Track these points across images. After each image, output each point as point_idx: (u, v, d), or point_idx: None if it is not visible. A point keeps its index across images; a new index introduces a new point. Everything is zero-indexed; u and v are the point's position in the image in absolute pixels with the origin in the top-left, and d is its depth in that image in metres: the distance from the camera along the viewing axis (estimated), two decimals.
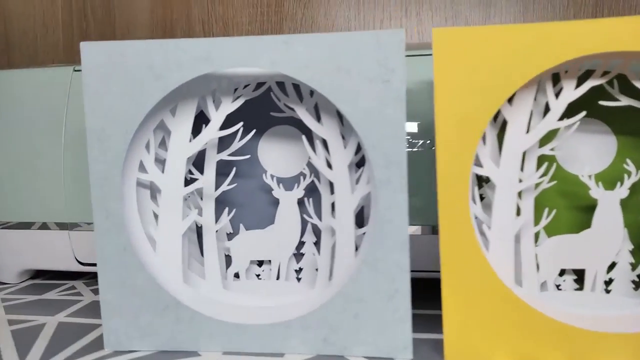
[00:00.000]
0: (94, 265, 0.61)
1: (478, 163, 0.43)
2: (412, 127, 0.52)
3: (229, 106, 0.46)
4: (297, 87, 0.48)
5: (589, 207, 0.47)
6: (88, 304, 0.57)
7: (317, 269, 0.51)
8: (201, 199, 0.49)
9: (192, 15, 1.04)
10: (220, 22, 1.03)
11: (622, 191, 0.45)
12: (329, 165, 0.46)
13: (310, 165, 0.51)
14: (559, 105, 0.42)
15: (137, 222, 0.45)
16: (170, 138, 0.46)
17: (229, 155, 0.49)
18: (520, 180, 0.43)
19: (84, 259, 0.61)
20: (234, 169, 0.50)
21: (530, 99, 0.42)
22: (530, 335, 0.40)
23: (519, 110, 0.42)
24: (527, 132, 0.43)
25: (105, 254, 0.44)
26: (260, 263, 0.53)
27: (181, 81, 0.42)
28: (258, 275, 0.52)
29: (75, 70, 0.61)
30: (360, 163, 0.47)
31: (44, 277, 0.69)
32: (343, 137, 0.45)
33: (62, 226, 0.60)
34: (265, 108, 0.51)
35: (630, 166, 0.45)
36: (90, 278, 0.68)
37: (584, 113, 0.43)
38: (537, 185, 0.45)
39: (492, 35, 0.39)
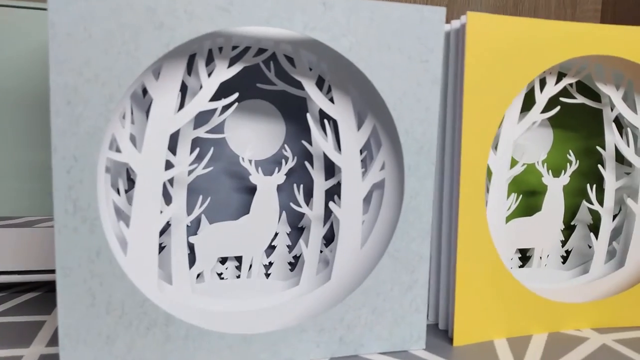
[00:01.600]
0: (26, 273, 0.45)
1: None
2: None
3: (224, 72, 0.38)
4: (290, 59, 0.42)
5: (533, 192, 0.52)
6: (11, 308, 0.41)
7: (289, 263, 0.46)
8: (172, 185, 0.40)
9: None
10: None
11: (565, 179, 0.51)
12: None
13: (293, 146, 0.46)
14: (542, 99, 0.46)
15: (110, 217, 0.34)
16: (151, 108, 0.35)
17: (207, 132, 0.40)
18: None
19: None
20: (212, 149, 0.41)
21: (522, 91, 0.45)
22: (521, 314, 0.43)
23: (514, 100, 0.44)
24: (519, 121, 0.45)
25: (68, 263, 0.32)
26: (223, 260, 0.45)
27: (190, 36, 0.33)
28: (220, 274, 0.45)
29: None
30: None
31: None
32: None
33: None
34: (238, 78, 0.44)
35: (571, 156, 0.52)
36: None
37: (558, 108, 0.48)
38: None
39: (520, 25, 0.40)
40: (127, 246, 0.35)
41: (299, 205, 0.44)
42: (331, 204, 0.41)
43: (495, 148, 0.45)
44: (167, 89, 0.36)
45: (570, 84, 0.50)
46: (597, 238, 0.50)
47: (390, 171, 0.40)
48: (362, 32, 0.36)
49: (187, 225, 0.42)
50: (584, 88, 0.52)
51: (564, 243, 0.53)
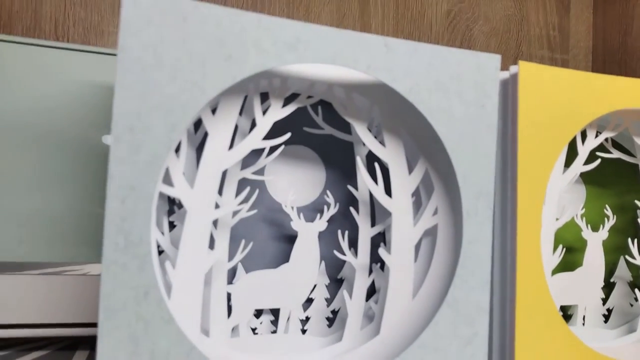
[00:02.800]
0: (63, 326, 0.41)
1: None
2: None
3: (279, 112, 0.37)
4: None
5: (574, 248, 0.51)
6: None
7: (326, 318, 0.43)
8: (215, 228, 0.37)
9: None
10: (80, 27, 0.84)
11: (604, 233, 0.50)
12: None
13: (335, 192, 0.44)
14: (584, 151, 0.46)
15: (157, 256, 0.32)
16: (206, 143, 0.34)
17: (253, 173, 0.39)
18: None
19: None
20: (257, 191, 0.40)
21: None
22: None
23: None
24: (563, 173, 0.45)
25: (114, 304, 0.29)
26: (258, 314, 0.42)
27: (258, 68, 0.32)
28: (254, 329, 0.41)
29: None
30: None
31: None
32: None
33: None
34: (281, 124, 0.43)
35: (608, 211, 0.51)
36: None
37: (599, 161, 0.47)
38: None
39: (569, 76, 0.40)
40: (171, 289, 0.32)
41: (343, 254, 0.42)
42: (381, 250, 0.39)
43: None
44: (222, 124, 0.34)
45: (606, 139, 0.50)
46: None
47: (444, 217, 0.39)
48: (423, 75, 0.36)
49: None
50: (615, 144, 0.52)
51: (604, 301, 0.51)
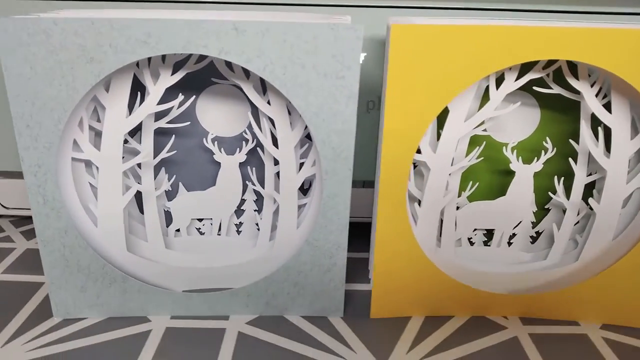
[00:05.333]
0: (21, 209, 0.59)
1: (417, 150, 0.45)
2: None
3: (168, 79, 0.43)
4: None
5: (510, 171, 0.52)
6: (23, 254, 0.56)
7: (257, 225, 0.54)
8: (139, 167, 0.48)
9: None
10: None
11: (537, 166, 0.50)
12: (275, 143, 0.46)
13: (251, 128, 0.51)
14: (498, 96, 0.44)
15: (76, 202, 0.44)
16: (105, 114, 0.43)
17: (168, 122, 0.47)
18: (453, 162, 0.47)
19: (8, 204, 0.58)
20: (173, 137, 0.48)
21: (473, 89, 0.44)
22: (441, 295, 0.47)
23: (460, 99, 0.44)
24: (465, 120, 0.45)
25: (46, 237, 0.43)
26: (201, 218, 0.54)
27: (117, 65, 0.38)
28: (199, 229, 0.54)
29: None
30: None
31: None
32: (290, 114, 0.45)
33: None
34: (204, 68, 0.48)
35: (548, 143, 0.50)
36: (16, 218, 0.66)
37: (519, 103, 0.46)
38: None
39: (448, 33, 0.39)
40: (96, 219, 0.46)
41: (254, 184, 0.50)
42: (267, 184, 0.47)
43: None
44: (117, 98, 0.42)
45: (547, 74, 0.46)
46: (558, 229, 0.50)
47: (318, 170, 0.44)
48: (274, 52, 0.39)
49: (168, 190, 0.51)
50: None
51: (535, 224, 0.53)
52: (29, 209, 0.55)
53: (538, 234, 0.54)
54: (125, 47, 0.38)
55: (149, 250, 0.50)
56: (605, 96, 0.45)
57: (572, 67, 0.45)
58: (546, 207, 0.53)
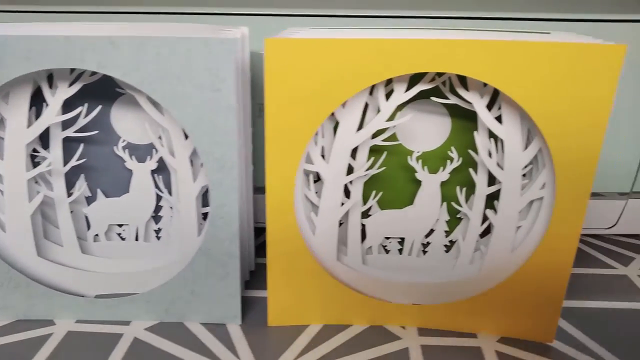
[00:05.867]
0: None
1: (310, 160, 0.46)
2: None
3: (66, 91, 0.45)
4: None
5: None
6: None
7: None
8: (50, 174, 0.50)
9: None
10: None
11: (443, 175, 0.50)
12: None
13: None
14: (388, 107, 0.45)
15: None
16: (6, 125, 0.45)
17: (76, 132, 0.49)
18: (351, 171, 0.47)
19: None
20: (82, 145, 0.50)
21: (362, 100, 0.44)
22: (338, 304, 0.48)
23: (351, 111, 0.44)
24: (358, 130, 0.45)
25: None
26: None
27: (4, 80, 0.40)
28: (120, 234, 0.55)
29: None
30: None
31: None
32: None
33: None
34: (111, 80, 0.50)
35: (453, 153, 0.50)
36: None
37: (410, 115, 0.46)
38: (367, 173, 0.49)
39: (324, 47, 0.39)
40: (4, 225, 0.47)
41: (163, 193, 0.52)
42: (173, 192, 0.48)
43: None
44: (16, 109, 0.44)
45: (443, 83, 0.46)
46: (463, 239, 0.50)
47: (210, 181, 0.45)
48: (151, 66, 0.40)
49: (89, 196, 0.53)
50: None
51: (448, 233, 0.53)
52: None
53: (452, 242, 0.53)
54: (9, 63, 0.39)
55: (64, 255, 0.51)
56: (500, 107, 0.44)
57: (464, 77, 0.45)
58: (457, 216, 0.53)
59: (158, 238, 0.55)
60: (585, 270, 0.58)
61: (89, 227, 0.54)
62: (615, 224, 0.60)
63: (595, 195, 0.58)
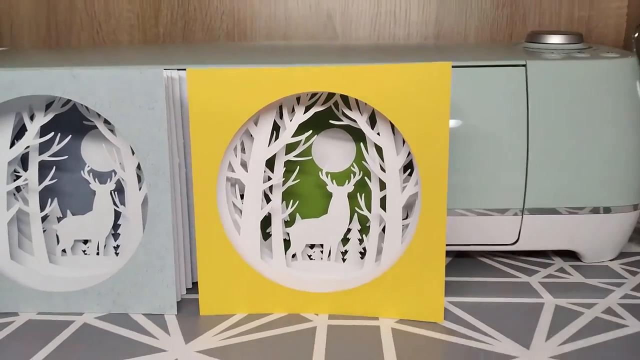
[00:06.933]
0: None
1: (232, 169, 0.56)
2: None
3: (42, 119, 0.57)
4: None
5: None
6: None
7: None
8: (27, 192, 0.61)
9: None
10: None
11: (348, 187, 0.60)
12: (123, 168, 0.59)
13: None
14: (291, 126, 0.56)
15: None
16: None
17: (50, 156, 0.60)
18: (269, 179, 0.58)
19: None
20: (54, 168, 0.61)
21: (271, 120, 0.56)
22: (260, 295, 0.56)
23: (261, 129, 0.56)
24: (269, 145, 0.56)
25: None
26: (86, 241, 0.65)
27: None
28: (84, 251, 0.65)
29: None
30: None
31: None
32: None
33: None
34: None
35: (355, 168, 0.60)
36: None
37: (309, 132, 0.57)
38: (284, 182, 0.59)
39: (230, 75, 0.52)
40: None
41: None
42: (127, 205, 0.58)
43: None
44: (1, 132, 0.57)
45: (337, 106, 0.58)
46: (367, 240, 0.58)
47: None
48: (102, 91, 0.52)
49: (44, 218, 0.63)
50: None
51: (361, 241, 0.62)
52: None
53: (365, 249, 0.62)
54: None
55: (33, 262, 0.61)
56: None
57: (347, 100, 0.56)
58: (367, 225, 0.62)
59: (117, 254, 0.65)
60: (489, 279, 0.65)
61: (58, 242, 0.64)
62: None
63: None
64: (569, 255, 0.70)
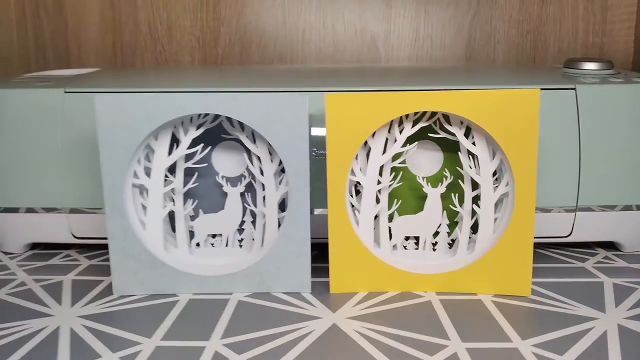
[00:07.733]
0: (88, 238, 0.83)
1: (354, 173, 0.69)
2: None
3: (194, 133, 0.70)
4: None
5: (424, 197, 0.74)
6: (87, 267, 0.79)
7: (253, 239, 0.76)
8: (174, 194, 0.73)
9: (139, 18, 1.24)
10: (165, 25, 1.24)
11: (441, 189, 0.73)
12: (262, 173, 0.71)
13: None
14: (401, 138, 0.69)
15: (132, 212, 0.68)
16: (154, 154, 0.69)
17: (193, 164, 0.72)
18: (379, 183, 0.70)
19: (78, 234, 0.82)
20: (196, 173, 0.73)
21: (385, 133, 0.69)
22: (377, 276, 0.68)
23: (378, 140, 0.69)
24: (383, 153, 0.69)
25: (113, 235, 0.67)
26: (214, 235, 0.77)
27: (165, 120, 0.65)
28: (212, 244, 0.77)
29: (66, 92, 0.80)
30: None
31: (40, 248, 0.88)
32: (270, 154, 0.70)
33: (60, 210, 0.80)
34: (218, 129, 0.74)
35: (447, 173, 0.73)
36: (81, 248, 0.88)
37: (416, 144, 0.70)
38: (390, 185, 0.72)
39: (361, 99, 0.65)
40: (144, 225, 0.69)
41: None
42: (258, 204, 0.71)
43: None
44: (162, 143, 0.69)
45: (435, 122, 0.71)
46: (460, 231, 0.71)
47: (288, 185, 0.68)
48: (257, 110, 0.65)
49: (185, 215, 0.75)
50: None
51: (449, 234, 0.75)
52: None
53: (453, 241, 0.75)
54: (170, 110, 0.65)
55: (177, 253, 0.72)
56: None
57: (447, 117, 0.70)
58: (455, 220, 0.75)
59: (240, 246, 0.76)
60: (550, 265, 0.78)
61: (192, 236, 0.76)
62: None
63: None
64: (609, 246, 0.84)
